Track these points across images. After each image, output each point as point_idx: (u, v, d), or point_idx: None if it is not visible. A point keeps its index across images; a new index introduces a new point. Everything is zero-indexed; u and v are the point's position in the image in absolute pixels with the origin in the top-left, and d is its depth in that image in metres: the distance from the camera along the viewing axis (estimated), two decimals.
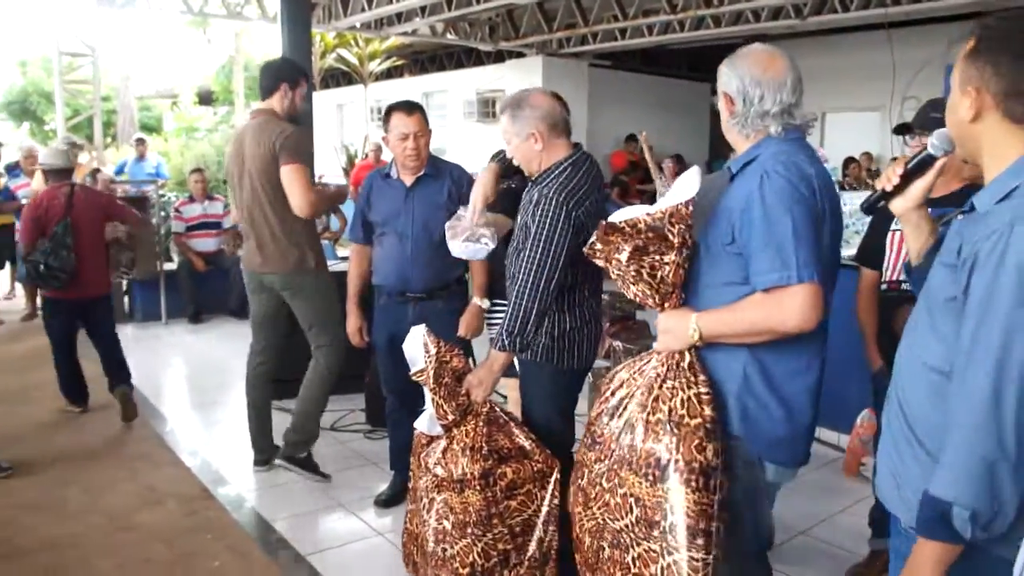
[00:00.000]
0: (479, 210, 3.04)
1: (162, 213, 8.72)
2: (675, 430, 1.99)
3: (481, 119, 14.39)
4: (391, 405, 3.99)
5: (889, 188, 1.83)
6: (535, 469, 2.77)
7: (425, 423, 2.89)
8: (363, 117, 16.91)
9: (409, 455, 4.03)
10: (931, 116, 2.95)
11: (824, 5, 10.60)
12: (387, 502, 3.97)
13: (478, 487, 2.71)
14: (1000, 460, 1.41)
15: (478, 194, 3.07)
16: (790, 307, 1.90)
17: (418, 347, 2.85)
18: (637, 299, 2.11)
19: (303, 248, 4.03)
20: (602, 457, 2.17)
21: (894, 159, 11.68)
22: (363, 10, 11.54)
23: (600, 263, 2.13)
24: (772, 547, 2.19)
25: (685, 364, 2.05)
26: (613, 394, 2.21)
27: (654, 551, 2.02)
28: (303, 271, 4.04)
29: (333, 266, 5.92)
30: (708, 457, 1.98)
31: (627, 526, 2.08)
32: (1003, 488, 1.41)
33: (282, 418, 4.41)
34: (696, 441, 1.98)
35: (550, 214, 2.68)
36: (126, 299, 8.37)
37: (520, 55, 14.42)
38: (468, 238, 3.02)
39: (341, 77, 19.61)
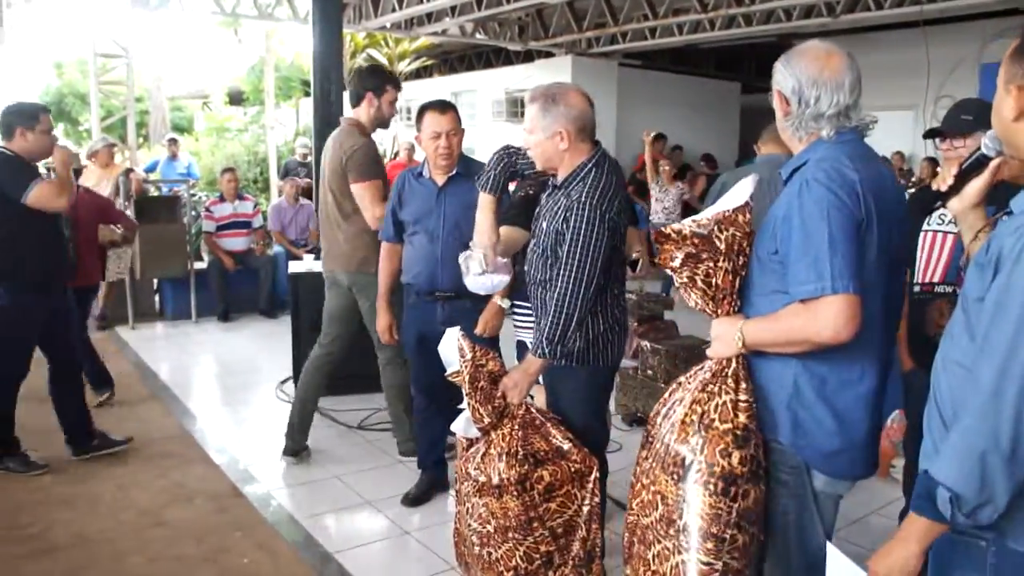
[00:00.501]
0: (491, 257, 2.94)
1: (193, 212, 8.80)
2: (703, 432, 2.00)
3: (510, 119, 14.40)
4: (420, 404, 3.99)
5: (944, 188, 1.83)
6: (573, 470, 2.76)
7: (462, 426, 2.88)
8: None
9: (437, 453, 4.05)
10: (961, 119, 2.90)
11: (857, 3, 10.49)
12: (414, 501, 3.97)
13: (515, 492, 2.70)
14: (992, 451, 1.43)
15: (484, 241, 2.94)
16: (824, 318, 1.85)
17: (453, 349, 2.85)
18: (697, 307, 2.11)
19: (368, 251, 4.19)
20: (649, 456, 2.20)
21: (927, 159, 11.58)
22: (393, 10, 11.59)
23: (668, 270, 2.13)
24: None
25: (730, 371, 2.04)
26: (671, 395, 2.21)
27: (668, 549, 2.05)
28: (367, 273, 4.19)
29: None
30: (732, 463, 1.96)
31: (652, 523, 2.11)
32: (992, 479, 1.43)
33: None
34: (722, 446, 1.97)
35: (586, 219, 2.64)
36: (156, 297, 8.46)
37: (549, 55, 14.41)
38: (483, 274, 2.96)
39: None
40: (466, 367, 2.79)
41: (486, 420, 2.78)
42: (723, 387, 2.03)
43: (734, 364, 2.03)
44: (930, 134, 3.03)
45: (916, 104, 12.51)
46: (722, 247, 1.98)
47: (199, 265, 8.42)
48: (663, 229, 2.05)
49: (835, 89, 1.98)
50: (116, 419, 5.14)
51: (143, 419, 5.19)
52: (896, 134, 12.79)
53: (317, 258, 6.10)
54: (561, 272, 2.67)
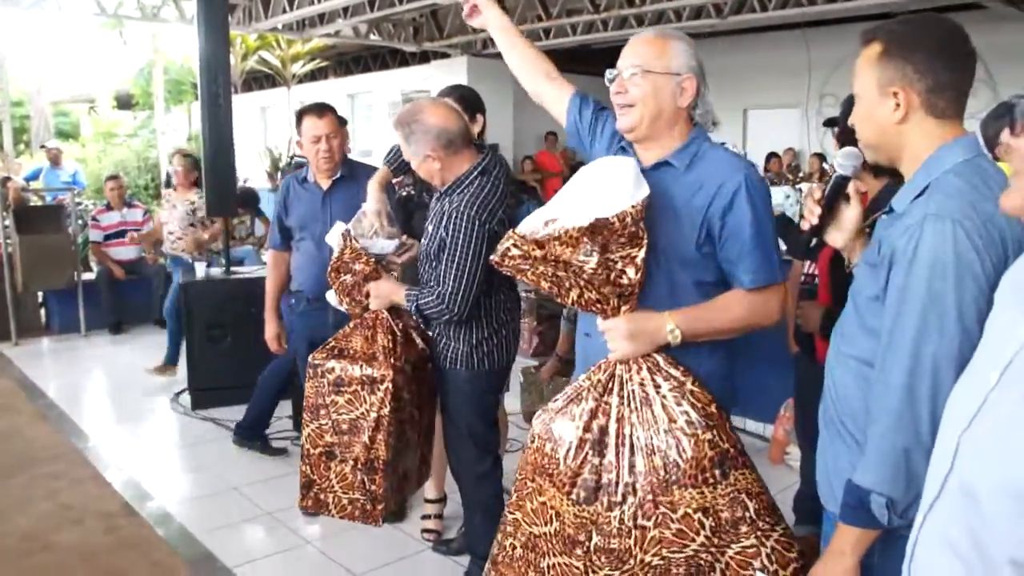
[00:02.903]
0: (383, 225, 3.04)
1: (79, 222, 8.46)
2: (709, 422, 1.89)
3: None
4: None
5: (814, 222, 1.78)
6: (362, 373, 2.82)
7: (332, 297, 3.06)
8: (287, 120, 16.67)
9: None
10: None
11: (743, 5, 10.81)
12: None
13: (308, 375, 2.89)
14: (914, 448, 1.46)
15: (373, 210, 3.06)
16: (774, 304, 2.01)
17: (335, 240, 2.97)
18: (580, 306, 1.96)
19: None
20: (620, 499, 1.89)
21: (815, 155, 11.96)
22: (284, 11, 11.38)
23: (509, 272, 1.96)
24: None
25: (662, 361, 1.94)
26: (587, 430, 1.94)
27: (751, 546, 1.86)
28: None
29: (255, 271, 5.85)
30: (735, 433, 1.96)
31: (703, 544, 1.86)
32: (919, 476, 1.44)
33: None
34: (727, 424, 1.94)
35: (463, 229, 2.68)
36: (43, 311, 8.09)
37: (445, 55, 14.39)
38: (375, 235, 3.02)
39: (264, 80, 19.32)
40: (333, 260, 2.95)
41: (344, 306, 2.98)
42: (677, 380, 1.92)
43: (661, 355, 1.94)
44: (830, 123, 3.13)
45: (800, 102, 12.99)
46: (644, 238, 1.85)
47: (88, 276, 8.09)
48: (607, 218, 1.82)
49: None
50: None
51: (27, 439, 4.96)
52: (784, 130, 13.26)
53: (210, 266, 5.95)
54: (442, 276, 2.72)
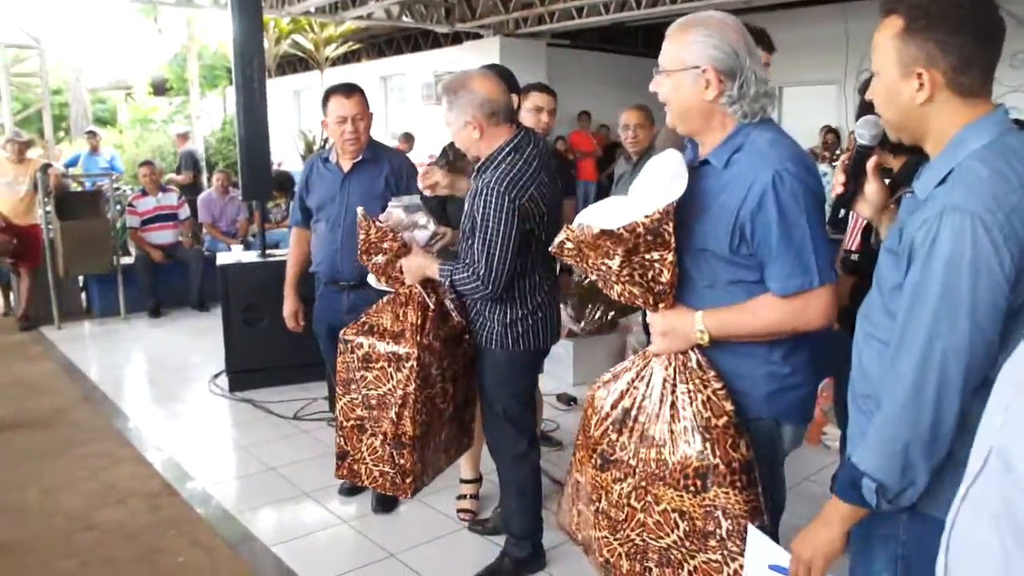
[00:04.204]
0: (415, 222, 3.05)
1: (117, 207, 8.57)
2: (706, 434, 1.89)
3: (440, 102, 14.30)
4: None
5: (839, 191, 1.78)
6: (387, 351, 2.84)
7: (373, 279, 3.10)
8: (320, 103, 16.73)
9: None
10: None
11: None
12: (351, 490, 3.94)
13: (340, 350, 2.94)
14: (914, 440, 1.47)
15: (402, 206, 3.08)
16: (815, 308, 1.88)
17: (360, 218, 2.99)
18: (623, 299, 1.99)
19: None
20: (623, 476, 2.03)
21: (853, 132, 11.87)
22: None
23: (570, 262, 2.01)
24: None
25: (693, 364, 1.95)
26: (614, 407, 2.06)
27: (715, 560, 1.91)
28: None
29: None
30: (744, 452, 1.91)
31: (675, 542, 1.96)
32: (915, 467, 1.48)
33: None
34: (729, 440, 1.89)
35: (492, 204, 2.67)
36: (83, 295, 8.23)
37: (477, 36, 14.33)
38: (407, 228, 3.01)
39: (298, 63, 19.39)
40: (361, 243, 2.96)
41: (384, 284, 3.02)
42: (697, 383, 1.93)
43: (695, 356, 1.95)
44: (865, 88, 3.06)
45: (837, 79, 12.78)
46: (671, 240, 1.85)
47: (127, 260, 8.21)
48: (614, 230, 1.85)
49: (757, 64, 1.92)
50: (43, 422, 5.01)
51: (72, 421, 5.05)
52: (820, 108, 13.04)
53: (247, 248, 6.00)
54: (476, 253, 2.71)
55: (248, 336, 5.54)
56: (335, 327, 3.48)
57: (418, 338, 2.82)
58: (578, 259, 1.98)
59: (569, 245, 1.96)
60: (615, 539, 2.07)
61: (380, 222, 2.94)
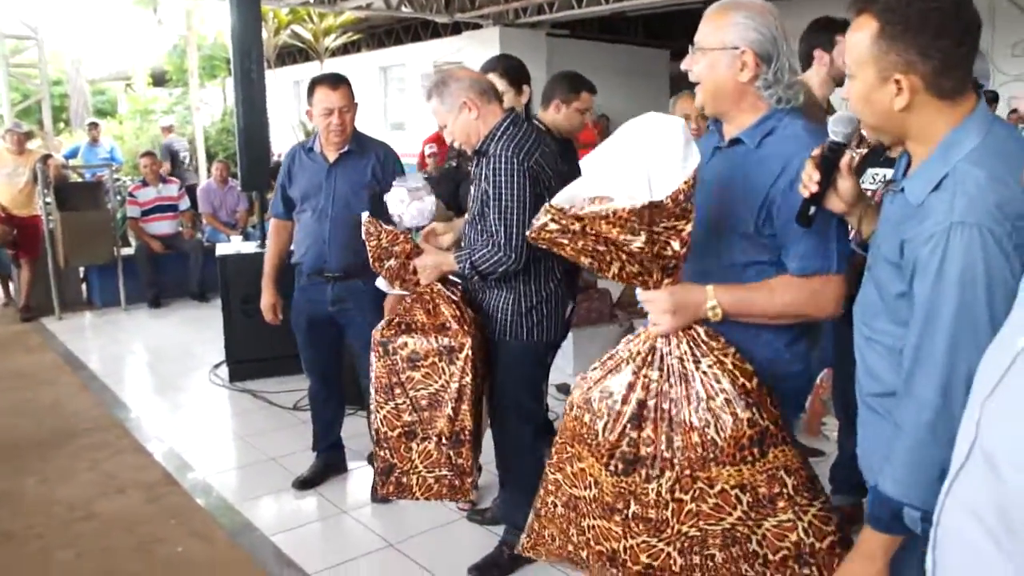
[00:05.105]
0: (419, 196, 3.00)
1: (117, 198, 8.57)
2: (748, 399, 1.82)
3: (430, 99, 14.25)
4: (313, 387, 3.94)
5: (813, 190, 1.72)
6: (441, 344, 2.75)
7: (383, 283, 3.02)
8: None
9: (332, 437, 4.00)
10: None
11: None
12: (304, 484, 3.90)
13: (378, 354, 2.80)
14: (949, 460, 1.41)
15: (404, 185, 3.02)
16: (827, 295, 1.87)
17: (396, 202, 2.96)
18: (621, 279, 1.89)
19: None
20: (658, 473, 1.87)
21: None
22: None
23: (545, 247, 1.88)
24: None
25: (703, 335, 1.88)
26: (625, 403, 1.91)
27: (787, 520, 1.84)
28: None
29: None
30: (778, 408, 1.87)
31: (740, 518, 1.85)
32: None
33: None
34: (768, 399, 1.85)
35: (503, 169, 2.69)
36: (83, 286, 8.23)
37: (477, 26, 14.29)
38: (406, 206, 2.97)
39: (297, 54, 19.35)
40: (372, 249, 2.90)
41: (398, 289, 2.94)
42: (718, 354, 1.87)
43: (702, 328, 1.89)
44: None
45: None
46: (692, 210, 1.76)
47: (127, 251, 8.22)
48: (659, 201, 1.70)
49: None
50: (43, 413, 5.02)
51: (72, 411, 5.06)
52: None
53: (246, 239, 6.00)
54: (494, 225, 2.71)
55: (248, 326, 5.53)
56: (316, 320, 3.46)
57: (464, 327, 2.77)
58: (564, 242, 1.83)
59: (553, 226, 1.80)
60: (660, 540, 1.90)
61: (387, 225, 2.90)
